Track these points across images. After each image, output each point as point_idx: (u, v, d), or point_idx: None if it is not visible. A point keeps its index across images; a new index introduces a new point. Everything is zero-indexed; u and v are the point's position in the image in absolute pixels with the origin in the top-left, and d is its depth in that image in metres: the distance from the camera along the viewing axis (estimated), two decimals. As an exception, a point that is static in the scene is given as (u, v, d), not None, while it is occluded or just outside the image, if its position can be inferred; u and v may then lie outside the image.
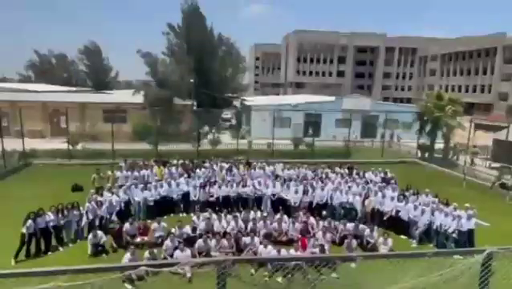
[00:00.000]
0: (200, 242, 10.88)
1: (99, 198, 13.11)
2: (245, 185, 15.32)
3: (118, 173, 16.27)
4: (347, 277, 8.70)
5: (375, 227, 12.45)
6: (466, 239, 11.85)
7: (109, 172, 16.45)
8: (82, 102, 31.67)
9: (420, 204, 13.32)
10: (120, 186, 14.84)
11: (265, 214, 13.23)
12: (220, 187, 15.12)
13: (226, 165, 18.13)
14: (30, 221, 10.74)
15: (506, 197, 18.25)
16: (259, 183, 15.41)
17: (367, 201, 14.38)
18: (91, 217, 12.37)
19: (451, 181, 21.22)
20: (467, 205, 12.69)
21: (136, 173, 16.42)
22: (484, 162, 25.76)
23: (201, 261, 2.77)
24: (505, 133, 23.91)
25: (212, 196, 14.80)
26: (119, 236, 11.67)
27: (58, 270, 2.64)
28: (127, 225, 11.92)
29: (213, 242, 10.92)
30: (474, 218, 12.04)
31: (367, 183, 16.37)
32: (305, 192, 14.80)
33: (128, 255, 9.69)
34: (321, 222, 12.70)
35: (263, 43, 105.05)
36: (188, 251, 10.21)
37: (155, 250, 10.35)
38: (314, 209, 14.34)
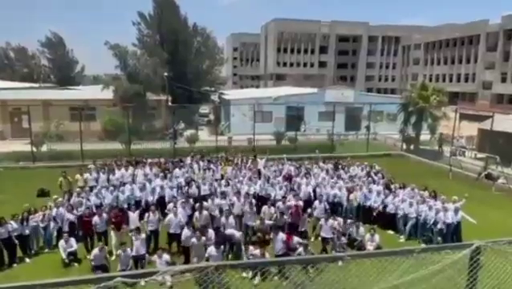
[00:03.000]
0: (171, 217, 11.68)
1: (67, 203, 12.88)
2: (227, 184, 15.26)
3: (87, 176, 15.90)
4: (334, 276, 8.82)
5: (361, 223, 12.70)
6: (453, 232, 12.26)
7: (78, 176, 16.07)
8: (45, 99, 30.70)
9: (411, 197, 13.67)
10: (90, 189, 14.53)
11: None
12: (198, 187, 15.02)
13: (205, 163, 18.10)
14: None
15: (492, 187, 18.96)
16: (240, 182, 15.38)
17: (351, 196, 14.64)
18: (59, 223, 12.15)
19: (437, 173, 21.84)
20: (455, 197, 13.14)
21: (107, 175, 16.12)
22: (470, 153, 26.63)
23: (183, 268, 2.75)
24: (490, 123, 24.75)
25: (190, 197, 14.62)
26: (88, 228, 11.88)
27: (25, 286, 2.56)
28: (95, 219, 11.76)
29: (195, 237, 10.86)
30: (461, 211, 12.44)
31: (352, 178, 16.70)
32: (291, 189, 14.92)
33: (96, 251, 9.94)
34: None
35: (241, 33, 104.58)
36: (166, 257, 10.12)
37: (128, 249, 10.39)
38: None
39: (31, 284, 2.53)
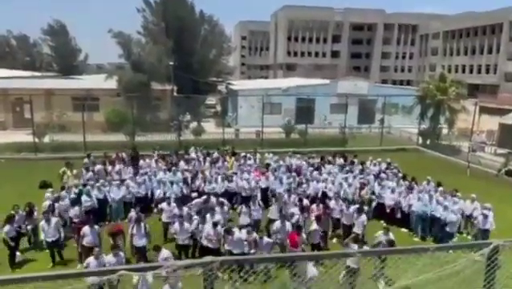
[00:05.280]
0: None
1: (67, 195, 12.93)
2: (232, 180, 15.18)
3: (82, 172, 15.62)
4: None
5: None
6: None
7: (68, 172, 15.71)
8: (48, 88, 31.02)
9: (430, 194, 13.52)
10: (84, 186, 14.25)
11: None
12: (204, 181, 15.00)
13: (214, 155, 18.24)
14: (8, 226, 10.55)
15: (513, 185, 18.75)
16: (246, 180, 15.08)
17: (363, 192, 14.58)
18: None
19: (454, 169, 21.65)
20: (473, 195, 13.04)
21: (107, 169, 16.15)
22: (490, 148, 26.32)
23: (187, 263, 2.77)
24: (512, 117, 24.40)
25: (195, 191, 14.62)
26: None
27: (27, 278, 2.61)
28: (85, 230, 10.34)
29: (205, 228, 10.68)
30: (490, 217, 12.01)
31: (363, 173, 16.64)
32: (299, 184, 14.89)
33: (90, 260, 8.76)
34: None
35: (250, 20, 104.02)
36: (166, 253, 9.65)
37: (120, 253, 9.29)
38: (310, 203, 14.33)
39: (33, 276, 2.58)
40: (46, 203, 12.30)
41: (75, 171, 15.71)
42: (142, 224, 10.70)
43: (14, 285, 2.64)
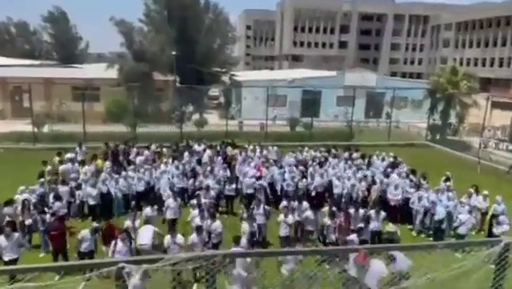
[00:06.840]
0: None
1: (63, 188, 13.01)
2: (233, 181, 14.74)
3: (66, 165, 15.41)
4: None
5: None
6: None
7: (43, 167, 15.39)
8: (47, 78, 31.06)
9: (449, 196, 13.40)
10: (63, 181, 13.91)
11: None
12: (206, 177, 14.84)
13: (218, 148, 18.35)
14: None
15: (524, 182, 18.64)
16: (250, 177, 14.65)
17: (373, 189, 14.53)
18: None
19: (464, 165, 21.58)
20: (485, 192, 12.99)
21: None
22: (502, 144, 26.16)
23: (188, 256, 2.79)
24: (525, 112, 24.21)
25: (198, 188, 14.51)
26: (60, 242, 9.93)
27: (27, 268, 2.63)
28: (85, 234, 9.61)
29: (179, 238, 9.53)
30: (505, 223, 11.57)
31: (369, 167, 16.59)
32: (303, 177, 14.88)
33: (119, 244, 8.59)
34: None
35: (255, 9, 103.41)
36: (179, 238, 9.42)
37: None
38: (314, 199, 14.23)
39: (32, 267, 2.60)
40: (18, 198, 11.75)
41: (49, 167, 15.42)
42: (127, 240, 9.19)
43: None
